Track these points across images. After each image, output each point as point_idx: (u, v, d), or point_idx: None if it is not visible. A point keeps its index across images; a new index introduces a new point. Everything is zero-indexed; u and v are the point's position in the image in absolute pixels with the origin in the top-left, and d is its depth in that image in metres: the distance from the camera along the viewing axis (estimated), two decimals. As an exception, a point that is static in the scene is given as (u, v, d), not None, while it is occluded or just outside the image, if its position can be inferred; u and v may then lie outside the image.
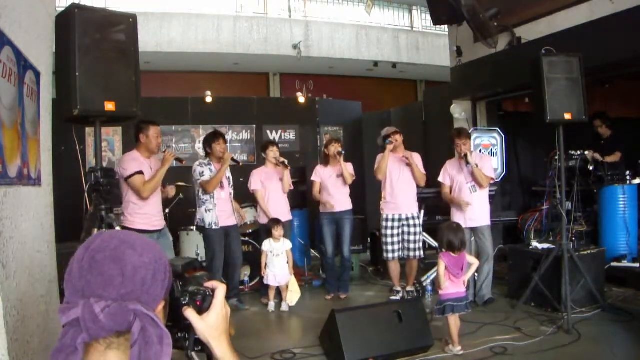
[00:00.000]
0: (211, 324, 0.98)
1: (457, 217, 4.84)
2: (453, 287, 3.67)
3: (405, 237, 5.13)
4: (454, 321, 3.66)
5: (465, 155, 4.74)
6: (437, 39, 12.29)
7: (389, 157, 5.09)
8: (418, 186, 5.18)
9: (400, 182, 5.10)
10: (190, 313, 0.98)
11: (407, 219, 5.11)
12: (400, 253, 5.15)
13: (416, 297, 5.06)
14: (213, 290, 1.02)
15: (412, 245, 5.11)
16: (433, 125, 7.81)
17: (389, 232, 5.13)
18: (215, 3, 11.52)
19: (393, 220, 5.12)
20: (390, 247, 5.12)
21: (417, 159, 5.18)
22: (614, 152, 5.80)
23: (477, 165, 4.74)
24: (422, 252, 5.18)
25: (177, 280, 1.00)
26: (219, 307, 1.01)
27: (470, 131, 5.43)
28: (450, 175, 5.02)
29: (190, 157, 6.96)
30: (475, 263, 3.88)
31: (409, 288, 5.25)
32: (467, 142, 4.83)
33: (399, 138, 5.14)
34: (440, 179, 5.09)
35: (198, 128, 7.59)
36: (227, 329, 1.02)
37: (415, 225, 5.12)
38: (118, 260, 0.86)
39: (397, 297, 5.16)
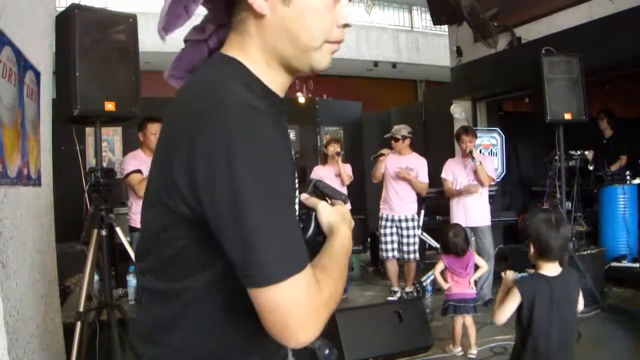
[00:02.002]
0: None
1: (457, 216, 4.84)
2: (457, 288, 3.63)
3: (400, 239, 5.11)
4: (459, 321, 3.63)
5: (471, 152, 4.76)
6: (437, 39, 12.31)
7: (391, 156, 5.09)
8: (419, 194, 5.16)
9: (397, 183, 5.07)
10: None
11: (401, 220, 5.09)
12: (397, 254, 5.13)
13: (415, 298, 5.05)
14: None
15: (405, 248, 5.07)
16: (433, 125, 7.80)
17: (383, 231, 5.13)
18: (215, 3, 11.52)
19: (387, 219, 5.13)
20: (384, 247, 5.12)
21: (421, 164, 5.12)
22: (618, 155, 5.78)
23: (480, 163, 4.75)
24: (417, 255, 5.11)
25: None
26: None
27: (471, 131, 5.43)
28: (452, 172, 5.01)
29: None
30: (484, 267, 3.82)
31: (407, 289, 5.24)
32: (473, 140, 4.85)
33: (395, 146, 5.09)
34: (442, 175, 5.08)
35: (198, 128, 7.57)
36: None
37: (408, 228, 5.06)
38: None
39: (395, 298, 5.15)
